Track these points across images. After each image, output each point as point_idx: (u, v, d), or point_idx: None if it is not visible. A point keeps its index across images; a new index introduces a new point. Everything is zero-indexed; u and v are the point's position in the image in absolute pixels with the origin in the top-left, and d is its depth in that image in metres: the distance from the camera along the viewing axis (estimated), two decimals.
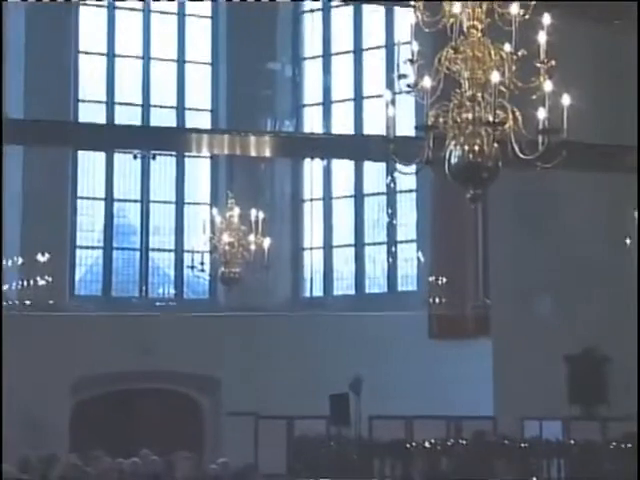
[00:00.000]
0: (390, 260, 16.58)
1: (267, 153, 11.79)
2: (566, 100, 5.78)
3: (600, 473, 12.33)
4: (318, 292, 17.36)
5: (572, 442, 12.75)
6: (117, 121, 16.90)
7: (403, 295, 16.43)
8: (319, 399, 13.65)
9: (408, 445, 12.59)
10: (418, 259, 16.07)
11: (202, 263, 13.85)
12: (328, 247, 17.40)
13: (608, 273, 13.52)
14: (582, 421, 14.09)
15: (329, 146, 11.13)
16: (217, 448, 15.41)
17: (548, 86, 5.73)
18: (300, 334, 15.98)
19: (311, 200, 17.58)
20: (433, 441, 12.63)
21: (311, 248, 17.53)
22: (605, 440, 12.85)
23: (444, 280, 14.36)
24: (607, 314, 13.46)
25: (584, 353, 15.07)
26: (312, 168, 17.44)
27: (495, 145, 5.92)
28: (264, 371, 15.84)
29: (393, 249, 16.65)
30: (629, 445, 12.45)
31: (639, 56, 8.38)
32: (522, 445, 12.69)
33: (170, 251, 17.35)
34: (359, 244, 17.20)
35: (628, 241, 10.40)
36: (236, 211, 13.62)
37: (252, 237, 13.31)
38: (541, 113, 5.74)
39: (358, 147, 11.11)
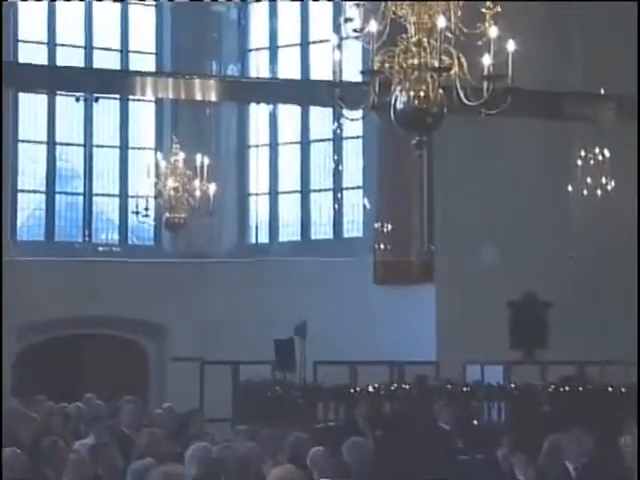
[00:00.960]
0: (336, 206, 16.59)
1: (212, 97, 11.65)
2: (511, 46, 5.78)
3: (539, 415, 12.61)
4: (264, 238, 17.34)
5: (513, 386, 12.99)
6: (59, 63, 16.55)
7: (349, 241, 16.48)
8: (264, 344, 13.72)
9: (352, 390, 12.72)
10: (364, 205, 16.10)
11: (147, 208, 13.74)
12: (274, 193, 17.35)
13: (550, 219, 13.69)
14: (522, 365, 14.37)
15: (275, 91, 11.04)
16: (162, 393, 15.46)
17: (493, 32, 5.72)
18: (246, 280, 15.99)
19: (257, 146, 17.49)
20: (377, 386, 12.78)
21: (257, 194, 17.48)
22: (544, 383, 13.12)
23: (389, 226, 14.43)
24: (548, 260, 13.66)
25: (525, 299, 15.32)
26: (258, 113, 17.31)
27: (440, 91, 5.92)
28: (210, 317, 15.86)
29: (339, 195, 16.66)
30: (567, 388, 12.75)
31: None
32: (464, 389, 12.90)
33: (114, 196, 17.16)
34: (305, 190, 17.17)
35: (570, 188, 10.51)
36: (181, 156, 13.51)
37: (197, 182, 13.23)
38: (486, 59, 5.75)
39: (304, 92, 11.04)
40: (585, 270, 13.35)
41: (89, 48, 16.90)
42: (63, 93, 16.01)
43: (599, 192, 10.40)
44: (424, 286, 15.37)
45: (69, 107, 16.55)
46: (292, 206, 17.25)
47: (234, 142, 17.35)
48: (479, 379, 13.51)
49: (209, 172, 13.07)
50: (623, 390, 12.78)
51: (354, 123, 16.00)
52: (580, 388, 12.84)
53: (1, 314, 12.40)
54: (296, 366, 13.58)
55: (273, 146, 17.35)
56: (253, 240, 17.44)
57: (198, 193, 13.21)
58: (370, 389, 12.69)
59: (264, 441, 8.92)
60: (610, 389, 12.79)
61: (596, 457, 9.17)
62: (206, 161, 13.06)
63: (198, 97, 11.06)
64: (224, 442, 8.42)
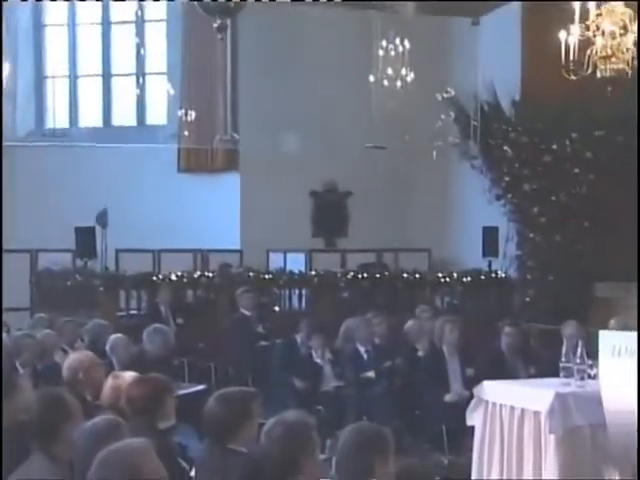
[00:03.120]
0: (139, 92, 16.14)
1: None
2: None
3: (338, 301, 13.03)
4: (63, 123, 16.71)
5: (313, 273, 13.32)
6: None
7: (152, 128, 16.15)
8: (64, 232, 13.39)
9: (155, 277, 12.68)
10: (168, 92, 15.75)
11: None
12: (73, 76, 16.69)
13: (352, 109, 13.89)
14: (323, 253, 14.76)
15: None
16: None
17: None
18: (44, 166, 15.45)
19: (54, 25, 16.66)
20: (180, 273, 12.78)
21: (54, 77, 16.73)
22: (344, 270, 13.52)
23: (193, 114, 14.21)
24: (350, 150, 13.91)
25: (327, 188, 15.63)
26: None
27: None
28: (6, 204, 15.26)
29: (141, 80, 16.20)
30: (365, 275, 13.19)
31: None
32: (266, 276, 13.11)
33: None
34: (107, 74, 16.62)
35: (372, 79, 10.63)
36: None
37: None
38: None
39: None
40: (383, 160, 13.67)
41: None
42: None
43: (399, 83, 10.59)
44: (228, 174, 15.38)
45: None
46: (93, 90, 16.67)
47: (28, 20, 16.46)
48: (281, 266, 13.76)
49: (0, 52, 12.36)
50: (417, 276, 13.37)
51: (158, 6, 15.59)
52: (377, 275, 13.32)
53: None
54: (97, 254, 13.37)
55: (71, 26, 16.58)
56: (51, 125, 16.77)
57: None
58: (173, 277, 12.69)
59: (63, 329, 8.81)
60: (405, 275, 13.35)
61: (386, 339, 9.61)
62: None
63: None
64: (19, 330, 8.25)
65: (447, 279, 13.44)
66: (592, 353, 6.77)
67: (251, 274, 12.98)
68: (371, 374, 9.14)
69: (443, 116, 12.36)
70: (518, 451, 6.92)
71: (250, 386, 8.65)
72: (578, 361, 6.94)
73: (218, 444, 4.31)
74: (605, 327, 8.12)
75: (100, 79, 16.65)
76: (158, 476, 3.20)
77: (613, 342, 6.43)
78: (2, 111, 11.48)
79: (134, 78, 16.31)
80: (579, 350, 6.96)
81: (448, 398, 8.63)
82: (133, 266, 12.97)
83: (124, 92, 16.51)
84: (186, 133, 14.47)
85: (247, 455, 4.21)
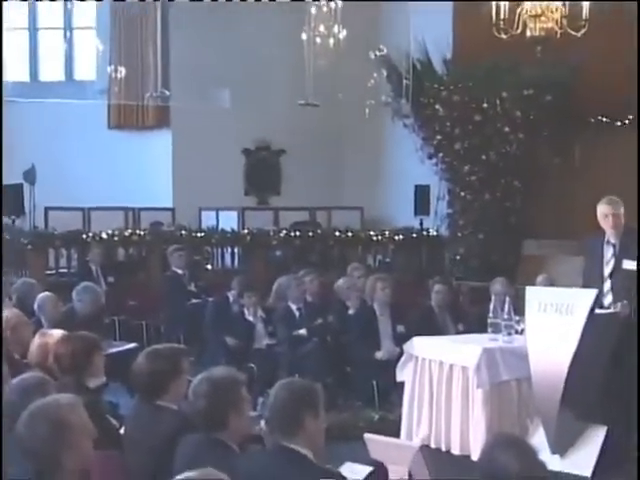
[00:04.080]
0: (67, 47, 15.80)
1: None
2: None
3: (271, 259, 13.04)
4: None
5: (246, 231, 13.28)
6: None
7: (81, 84, 15.86)
8: None
9: (85, 236, 12.51)
10: (97, 47, 15.45)
11: None
12: None
13: (285, 67, 13.80)
14: (256, 211, 14.72)
15: None
16: None
17: None
18: None
19: None
20: (110, 231, 12.64)
21: None
22: (277, 229, 13.50)
23: (123, 70, 13.98)
24: (283, 108, 13.83)
25: (259, 146, 15.56)
26: None
27: None
28: None
29: (69, 35, 15.85)
30: (298, 233, 13.21)
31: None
32: (198, 235, 13.04)
33: None
34: (33, 28, 16.24)
35: (304, 36, 10.57)
36: None
37: None
38: None
39: None
40: (316, 118, 13.61)
41: None
42: None
43: (331, 41, 10.54)
44: (159, 131, 15.21)
45: None
46: (19, 44, 16.26)
47: None
48: (213, 225, 13.70)
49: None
50: (349, 234, 13.43)
51: None
52: (310, 233, 13.34)
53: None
54: (25, 212, 13.15)
55: None
56: None
57: None
58: (104, 235, 12.54)
59: None
60: (337, 233, 13.40)
61: (318, 297, 9.65)
62: None
63: None
64: None
65: (379, 237, 13.53)
66: (520, 309, 6.90)
67: (183, 232, 12.89)
68: (303, 332, 9.17)
69: (375, 74, 12.34)
70: (447, 405, 7.05)
71: (182, 344, 8.63)
72: (505, 317, 7.07)
73: (147, 400, 4.30)
74: (533, 284, 8.28)
75: (26, 32, 16.25)
76: (86, 431, 3.19)
77: (539, 298, 6.56)
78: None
79: (62, 32, 15.97)
80: (506, 306, 7.09)
81: (379, 355, 8.72)
82: (62, 224, 12.78)
83: (51, 46, 16.15)
84: (116, 89, 14.23)
85: (176, 412, 4.21)
